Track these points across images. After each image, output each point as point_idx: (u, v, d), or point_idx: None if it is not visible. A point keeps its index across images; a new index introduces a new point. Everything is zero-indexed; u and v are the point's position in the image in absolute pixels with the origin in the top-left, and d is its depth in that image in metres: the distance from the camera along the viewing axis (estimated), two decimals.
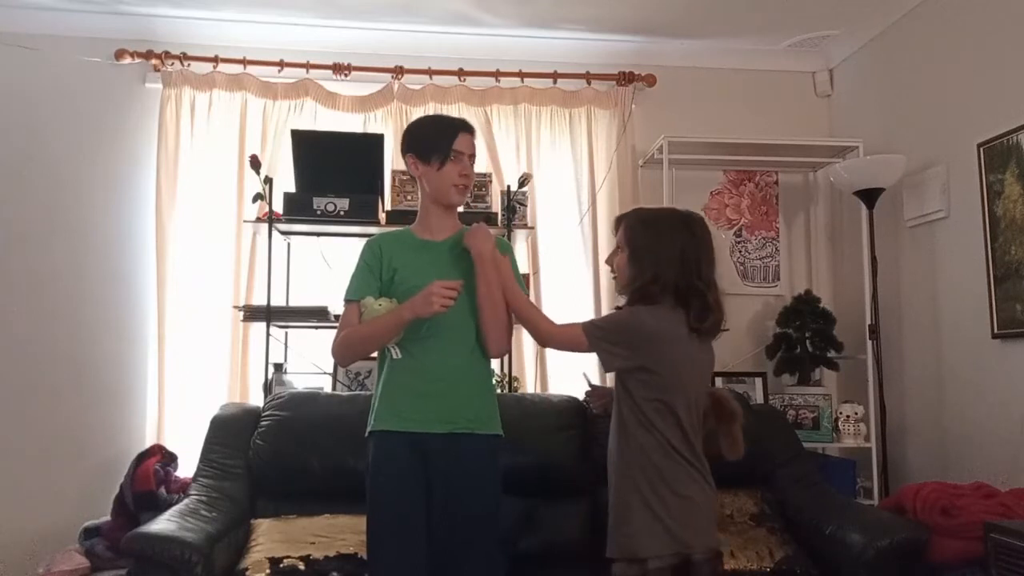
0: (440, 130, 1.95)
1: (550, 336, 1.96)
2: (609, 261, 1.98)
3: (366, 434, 1.95)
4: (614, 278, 1.97)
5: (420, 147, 1.95)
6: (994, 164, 2.86)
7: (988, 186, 2.89)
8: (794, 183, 4.00)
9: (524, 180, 3.48)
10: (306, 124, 3.60)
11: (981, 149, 2.91)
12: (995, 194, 2.86)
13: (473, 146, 1.97)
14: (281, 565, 2.19)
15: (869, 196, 3.29)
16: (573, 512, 2.52)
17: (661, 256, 1.82)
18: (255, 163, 3.28)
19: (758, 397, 3.56)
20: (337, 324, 2.02)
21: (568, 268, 3.78)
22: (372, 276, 1.96)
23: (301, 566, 2.20)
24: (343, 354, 1.98)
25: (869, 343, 3.33)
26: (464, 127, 1.97)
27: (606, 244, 3.78)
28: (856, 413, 3.38)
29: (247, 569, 2.19)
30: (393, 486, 1.87)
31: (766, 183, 3.96)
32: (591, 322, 1.96)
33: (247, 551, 2.30)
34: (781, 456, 2.75)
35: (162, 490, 2.96)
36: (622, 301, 1.94)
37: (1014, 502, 2.33)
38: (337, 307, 3.27)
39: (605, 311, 3.71)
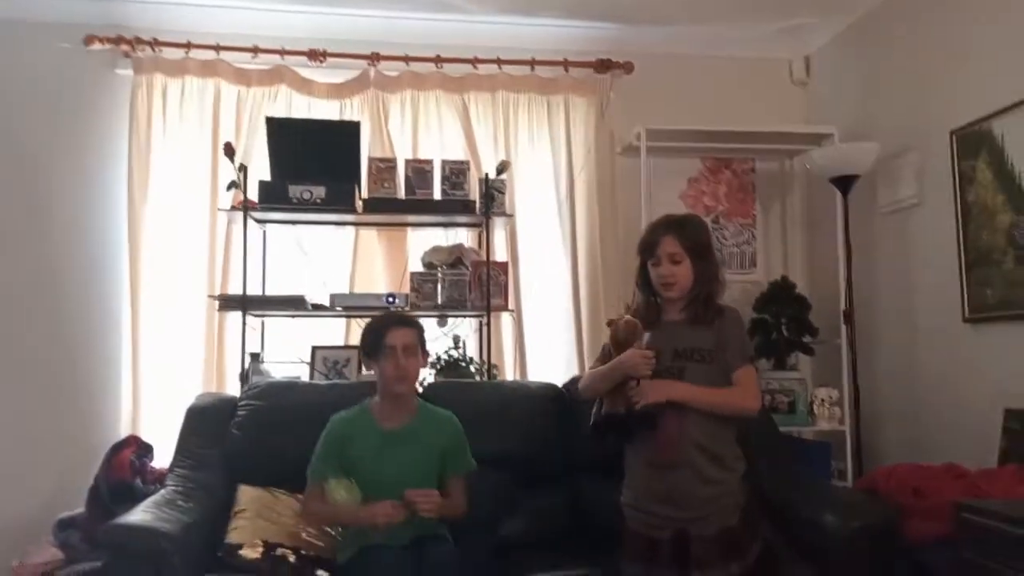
0: (373, 331, 2.24)
1: (754, 402, 2.03)
2: (670, 273, 2.02)
3: None
4: (671, 285, 2.02)
5: (365, 350, 2.27)
6: (966, 151, 2.90)
7: (960, 173, 2.93)
8: (771, 170, 4.02)
9: (502, 168, 3.46)
10: (281, 111, 3.57)
11: (954, 136, 2.95)
12: (967, 181, 2.90)
13: (407, 335, 2.22)
14: (276, 552, 2.18)
15: (844, 183, 3.32)
16: (552, 497, 2.53)
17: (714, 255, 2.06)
18: (229, 151, 3.24)
19: None
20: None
21: (547, 256, 3.78)
22: (332, 458, 2.23)
23: (292, 557, 2.19)
24: (309, 520, 2.31)
25: (843, 328, 3.37)
26: (392, 324, 2.24)
27: (584, 232, 3.79)
28: (831, 397, 3.42)
29: (241, 545, 2.17)
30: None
31: (743, 170, 3.98)
32: (748, 356, 2.06)
33: (233, 517, 2.29)
34: (756, 440, 2.77)
35: (138, 481, 2.93)
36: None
37: (984, 482, 2.38)
38: (313, 296, 3.27)
39: (584, 297, 3.72)
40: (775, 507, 2.52)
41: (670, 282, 2.01)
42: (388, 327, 2.22)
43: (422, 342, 2.31)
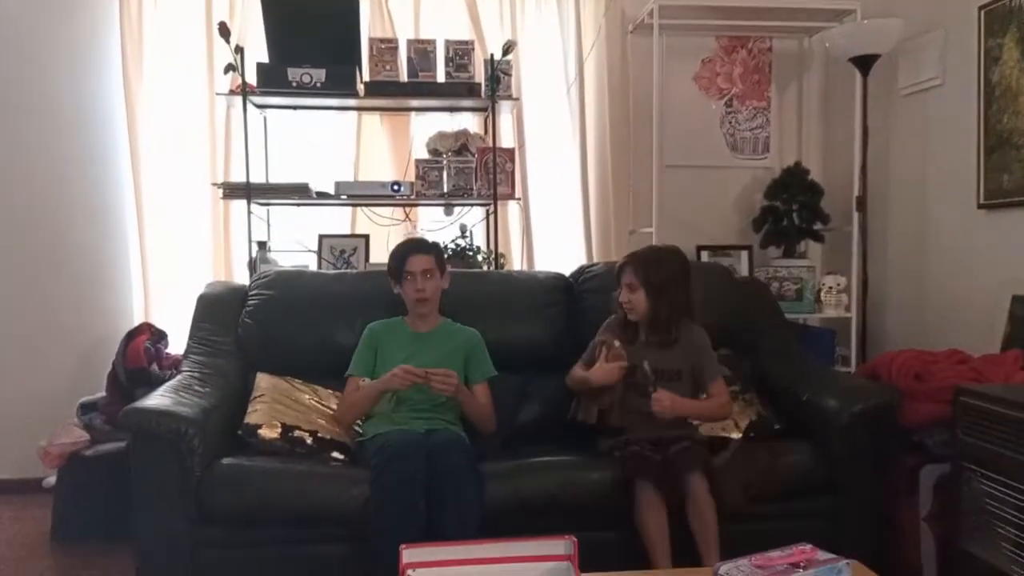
0: (395, 257, 2.44)
1: (730, 410, 2.39)
2: (627, 300, 2.34)
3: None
4: (629, 310, 2.34)
5: (390, 272, 2.45)
6: (994, 28, 2.76)
7: (986, 52, 2.80)
8: (788, 50, 3.86)
9: (508, 48, 3.33)
10: None
11: (982, 12, 2.80)
12: (992, 60, 2.78)
13: (425, 261, 2.40)
14: (292, 434, 2.25)
15: (864, 63, 3.19)
16: (558, 385, 2.57)
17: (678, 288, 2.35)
18: (224, 31, 3.11)
19: (743, 270, 3.59)
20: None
21: (554, 142, 3.70)
22: (367, 358, 2.41)
23: (309, 439, 2.26)
24: (343, 415, 2.39)
25: (856, 215, 3.33)
26: (411, 251, 2.42)
27: (594, 117, 3.69)
28: (839, 284, 3.43)
29: (260, 426, 2.25)
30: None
31: (759, 50, 3.82)
32: (718, 371, 2.37)
33: (251, 402, 2.36)
34: (762, 327, 2.81)
35: (154, 367, 3.01)
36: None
37: (985, 367, 2.41)
38: (316, 184, 3.24)
39: (592, 185, 3.67)
40: (777, 391, 2.58)
41: (628, 307, 2.34)
42: (408, 254, 2.41)
43: (440, 264, 2.47)
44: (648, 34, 3.49)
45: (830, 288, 3.44)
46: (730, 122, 3.83)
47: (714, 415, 2.37)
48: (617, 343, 2.30)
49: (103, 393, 3.08)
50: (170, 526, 2.05)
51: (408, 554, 1.18)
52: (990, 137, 2.80)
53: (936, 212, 3.14)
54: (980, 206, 2.86)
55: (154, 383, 2.70)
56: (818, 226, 3.51)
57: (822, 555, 1.15)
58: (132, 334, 3.11)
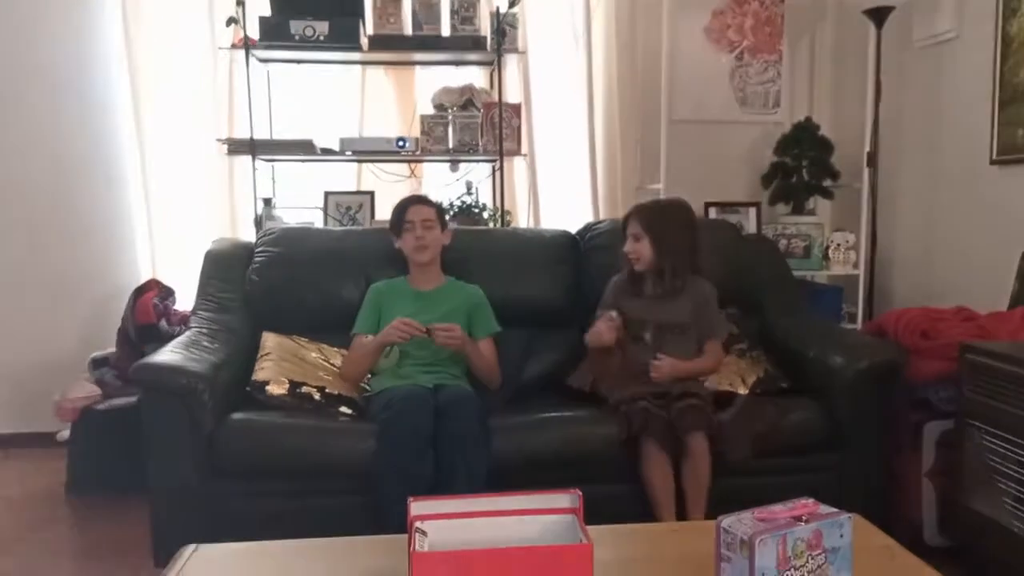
0: (396, 210, 2.48)
1: (720, 367, 2.41)
2: (632, 249, 2.36)
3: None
4: (635, 260, 2.35)
5: (392, 228, 2.48)
6: None
7: (1004, 3, 2.73)
8: (801, 1, 3.77)
9: (514, 0, 3.27)
10: None
11: None
12: (1011, 11, 2.71)
13: (425, 211, 2.44)
14: (300, 390, 2.28)
15: (879, 15, 3.12)
16: (564, 342, 2.58)
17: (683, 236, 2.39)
18: None
19: (751, 227, 3.57)
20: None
21: (562, 95, 3.65)
22: (371, 316, 2.43)
23: (316, 395, 2.29)
24: (347, 371, 2.42)
25: (866, 171, 3.29)
26: (412, 202, 2.48)
27: (601, 69, 3.63)
28: (847, 241, 3.41)
29: (267, 382, 2.28)
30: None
31: (772, 1, 3.74)
32: (719, 332, 2.42)
33: (258, 359, 2.39)
34: (769, 284, 2.80)
35: (163, 323, 3.03)
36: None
37: (992, 324, 2.41)
38: (321, 140, 3.21)
39: (600, 141, 3.63)
40: (783, 348, 2.58)
41: (633, 257, 2.36)
42: (408, 206, 2.46)
43: (441, 218, 2.50)
44: None
45: (838, 245, 3.42)
46: (740, 76, 3.77)
47: (707, 372, 2.39)
48: (615, 313, 2.32)
49: (114, 349, 3.11)
50: (182, 478, 2.09)
51: (416, 507, 1.20)
52: (1005, 91, 2.75)
53: (948, 168, 3.10)
54: (993, 161, 2.82)
55: (163, 339, 2.73)
56: (827, 182, 3.48)
57: (824, 509, 1.16)
58: (140, 291, 3.12)
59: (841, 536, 1.14)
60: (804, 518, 1.13)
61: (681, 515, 2.08)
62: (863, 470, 2.28)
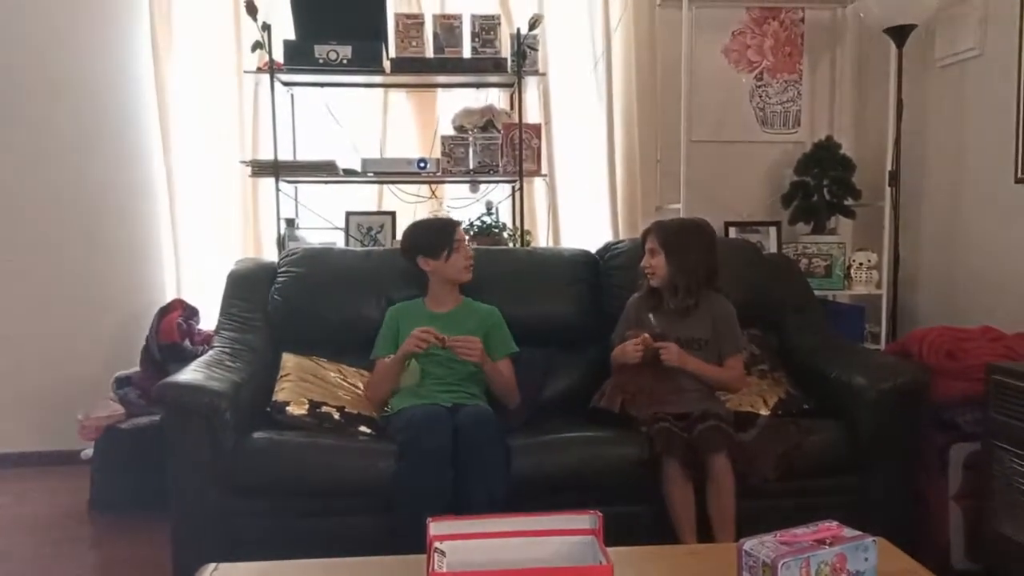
0: (438, 230, 2.48)
1: (743, 385, 2.43)
2: (648, 264, 2.40)
3: None
4: (651, 275, 2.39)
5: (428, 248, 2.45)
6: None
7: None
8: (821, 20, 3.78)
9: (535, 22, 3.30)
10: None
11: None
12: None
13: (463, 233, 2.52)
14: (320, 410, 2.29)
15: (900, 33, 3.11)
16: (584, 361, 2.58)
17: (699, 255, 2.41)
18: (251, 8, 3.12)
19: (771, 247, 3.55)
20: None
21: (581, 118, 3.67)
22: (391, 338, 2.45)
23: (336, 415, 2.30)
24: (372, 393, 2.44)
25: (888, 190, 3.27)
26: (454, 223, 2.55)
27: (620, 90, 3.65)
28: (869, 261, 3.38)
29: (288, 403, 2.29)
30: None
31: (791, 21, 3.75)
32: (739, 347, 2.43)
33: (279, 380, 2.40)
34: (790, 304, 2.78)
35: (186, 342, 3.07)
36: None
37: (1019, 345, 2.37)
38: (344, 162, 3.26)
39: (619, 161, 3.65)
40: (805, 368, 2.56)
41: (649, 272, 2.39)
42: (454, 225, 2.51)
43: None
44: (677, 6, 3.43)
45: (860, 264, 3.39)
46: (760, 96, 3.77)
47: (725, 384, 2.40)
48: (646, 335, 2.30)
49: (137, 368, 3.15)
50: (203, 497, 2.10)
51: (435, 527, 1.20)
52: None
53: (971, 187, 3.07)
54: (1018, 180, 2.79)
55: (187, 358, 2.75)
56: (849, 201, 3.46)
57: (848, 532, 1.15)
58: (165, 310, 3.16)
59: (866, 560, 1.13)
60: (828, 541, 1.12)
61: (707, 540, 2.05)
62: (887, 492, 2.24)
